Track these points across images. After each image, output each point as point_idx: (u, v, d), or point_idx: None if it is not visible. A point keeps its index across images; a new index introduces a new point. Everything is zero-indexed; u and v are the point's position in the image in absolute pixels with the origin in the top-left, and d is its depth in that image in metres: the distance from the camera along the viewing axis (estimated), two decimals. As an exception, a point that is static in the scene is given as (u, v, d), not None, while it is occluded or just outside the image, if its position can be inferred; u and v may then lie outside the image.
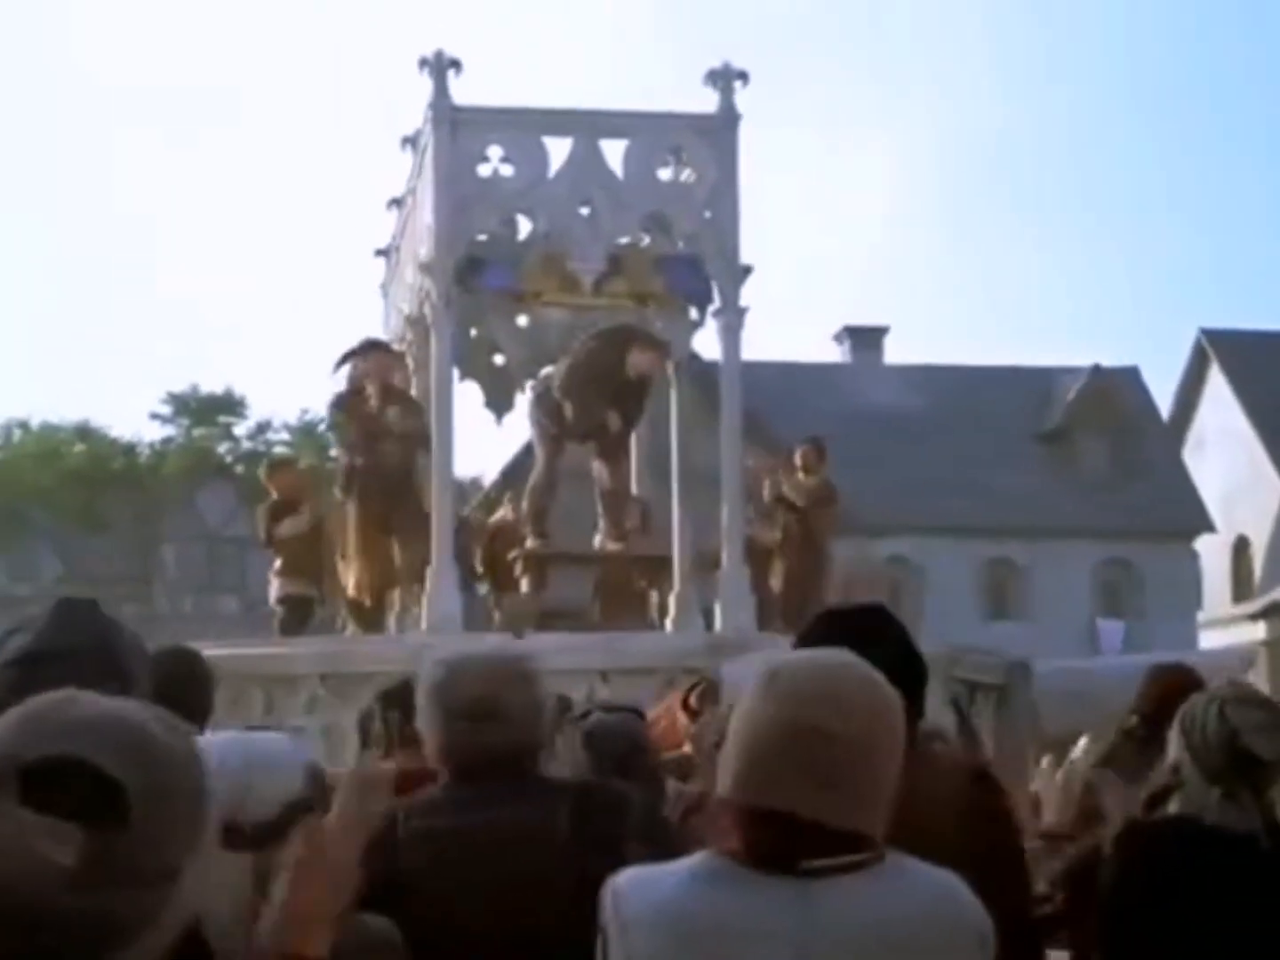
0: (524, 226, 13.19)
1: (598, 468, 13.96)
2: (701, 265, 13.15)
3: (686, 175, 13.20)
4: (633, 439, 15.49)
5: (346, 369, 13.34)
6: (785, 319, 57.98)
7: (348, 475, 13.60)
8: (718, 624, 12.96)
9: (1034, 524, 35.35)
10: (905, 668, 3.80)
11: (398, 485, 13.21)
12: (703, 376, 31.46)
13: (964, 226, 79.82)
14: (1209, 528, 37.32)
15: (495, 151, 12.97)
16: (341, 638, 13.06)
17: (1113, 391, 37.95)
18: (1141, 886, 4.09)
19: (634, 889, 2.46)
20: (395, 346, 14.79)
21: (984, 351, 69.12)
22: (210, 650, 12.26)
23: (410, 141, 14.30)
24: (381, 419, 13.09)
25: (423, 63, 12.94)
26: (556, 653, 12.11)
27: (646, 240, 13.37)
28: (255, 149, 77.63)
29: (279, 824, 3.57)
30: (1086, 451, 37.47)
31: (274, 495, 14.43)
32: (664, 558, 13.58)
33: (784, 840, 2.39)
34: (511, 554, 13.51)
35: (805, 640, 3.82)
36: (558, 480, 13.74)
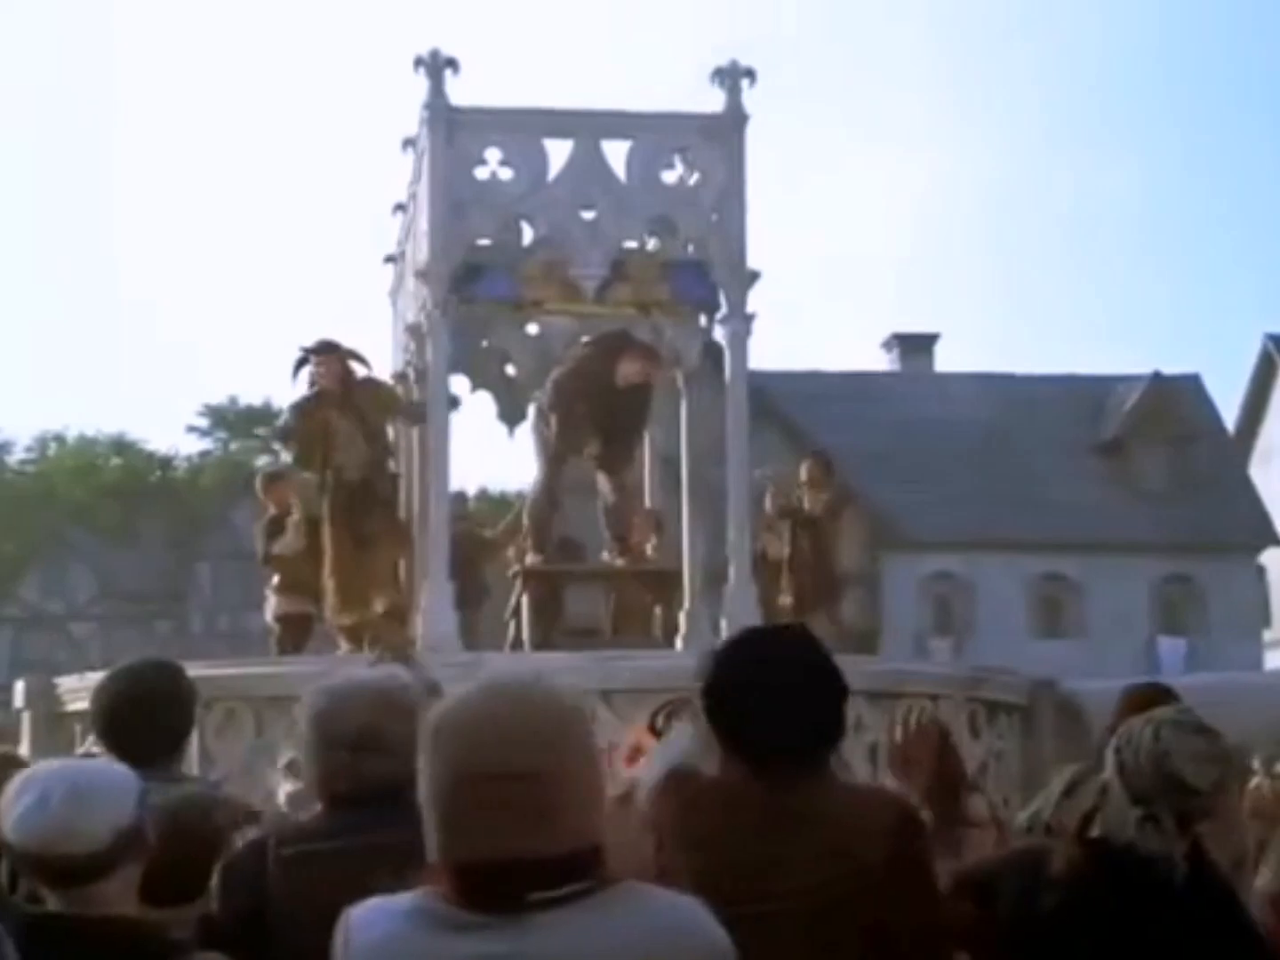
0: (523, 232, 13.11)
1: (601, 481, 13.88)
2: (708, 271, 13.03)
3: (692, 178, 13.09)
4: (645, 450, 15.42)
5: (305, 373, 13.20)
6: (832, 327, 57.88)
7: (319, 488, 13.59)
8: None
9: (1090, 538, 35.09)
10: (823, 688, 3.75)
11: (363, 494, 13.13)
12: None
13: (1018, 230, 79.51)
14: (1275, 541, 36.98)
15: (493, 154, 12.88)
16: (332, 657, 13.00)
17: (1173, 400, 37.66)
18: (1034, 908, 4.04)
19: (359, 923, 2.44)
20: (402, 354, 14.74)
21: (1038, 359, 68.95)
22: (201, 671, 12.29)
23: (411, 143, 14.26)
24: (335, 426, 13.00)
25: (418, 62, 12.88)
26: (553, 673, 12.10)
27: (651, 245, 13.27)
28: (281, 153, 78.02)
29: (110, 853, 3.51)
30: (1145, 463, 37.17)
31: (270, 509, 14.42)
32: (669, 572, 13.48)
33: (495, 880, 2.35)
34: (511, 570, 13.43)
35: (720, 663, 3.77)
36: (559, 494, 13.66)
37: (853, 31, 78.08)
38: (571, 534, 15.22)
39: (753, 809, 3.55)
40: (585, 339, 13.47)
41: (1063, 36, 76.54)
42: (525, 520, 13.99)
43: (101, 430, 59.64)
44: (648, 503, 15.27)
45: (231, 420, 57.88)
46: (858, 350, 60.69)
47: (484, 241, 13.07)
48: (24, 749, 13.42)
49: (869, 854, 3.51)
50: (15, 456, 59.64)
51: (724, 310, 13.14)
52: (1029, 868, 4.35)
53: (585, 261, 12.88)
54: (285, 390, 61.43)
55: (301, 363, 13.20)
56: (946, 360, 38.96)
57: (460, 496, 17.33)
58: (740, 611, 12.92)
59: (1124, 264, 78.37)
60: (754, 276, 13.10)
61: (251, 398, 57.82)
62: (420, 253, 13.20)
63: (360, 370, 13.35)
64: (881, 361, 39.15)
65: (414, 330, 14.07)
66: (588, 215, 12.96)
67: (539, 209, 12.94)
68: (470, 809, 2.35)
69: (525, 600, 13.23)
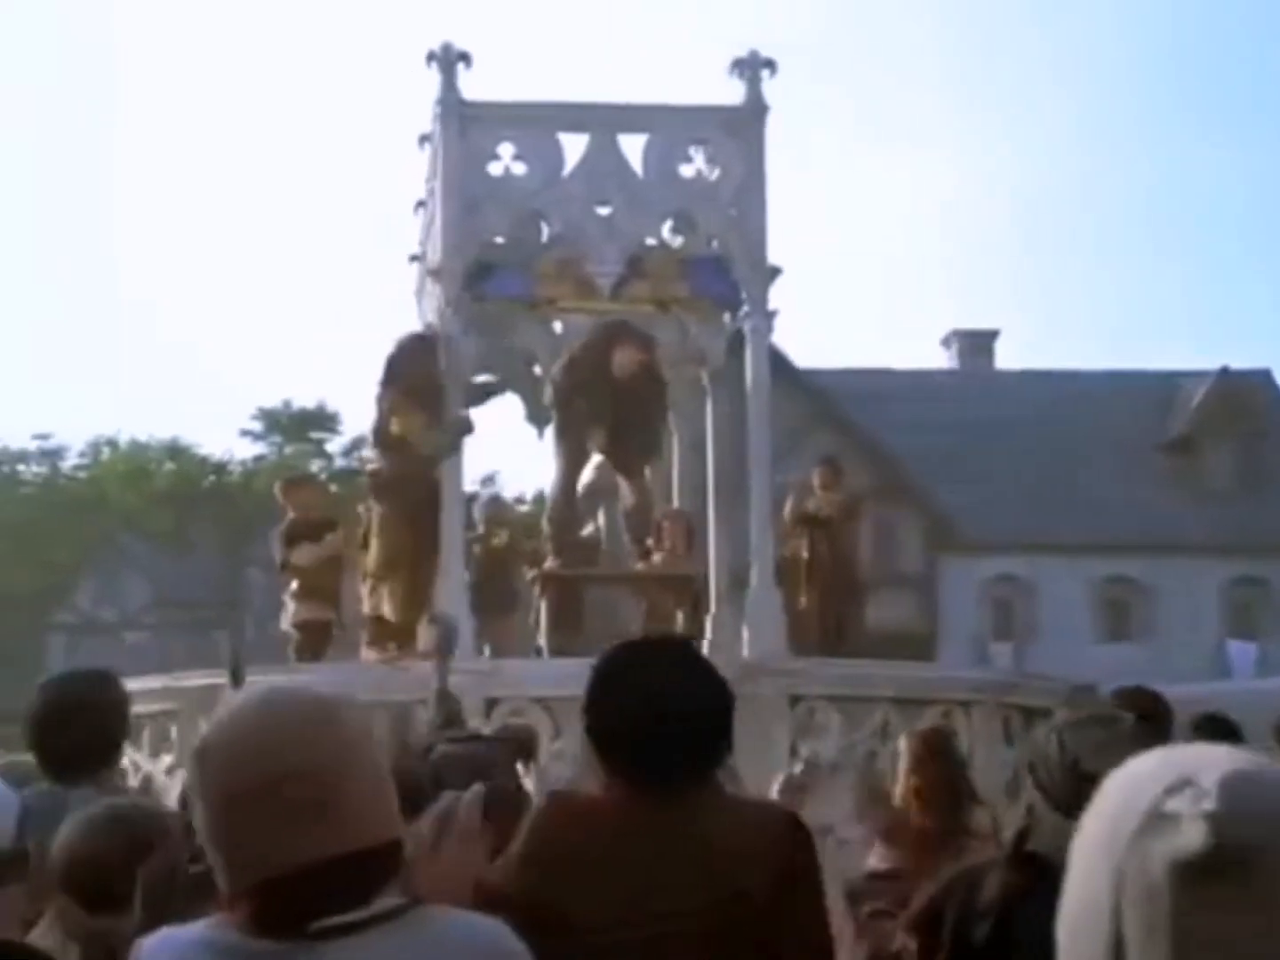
0: (538, 228, 13.09)
1: (620, 482, 13.84)
2: (728, 267, 12.98)
3: (711, 172, 13.04)
4: (673, 450, 15.38)
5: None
6: (891, 324, 57.68)
7: (374, 487, 13.53)
8: (745, 646, 12.79)
9: (1156, 539, 34.81)
10: (706, 702, 3.70)
11: (424, 498, 13.01)
12: (789, 383, 31.29)
13: (1080, 223, 79.08)
14: (1350, 541, 36.61)
15: (507, 149, 12.89)
16: (349, 664, 13.02)
17: (1242, 396, 37.30)
18: (968, 939, 3.98)
19: (148, 954, 2.40)
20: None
21: (1102, 355, 68.35)
22: (207, 680, 12.31)
23: (427, 139, 14.26)
24: (406, 424, 12.90)
25: (430, 56, 12.89)
26: (562, 680, 12.08)
27: (668, 241, 13.23)
28: (313, 150, 78.32)
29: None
30: (1213, 461, 36.84)
31: (290, 515, 14.42)
32: (690, 576, 13.42)
33: (286, 898, 2.30)
34: (530, 575, 13.40)
35: (598, 679, 3.74)
36: (576, 496, 13.62)
37: (887, 22, 77.95)
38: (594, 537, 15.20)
39: (634, 830, 3.49)
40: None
41: (1118, 18, 75.97)
42: (545, 523, 13.97)
43: (154, 435, 59.83)
44: (675, 504, 15.24)
45: (285, 424, 58.01)
46: (917, 348, 60.65)
47: (498, 239, 13.07)
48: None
49: (755, 872, 3.45)
50: (68, 463, 59.90)
51: (745, 307, 13.07)
52: (964, 895, 4.30)
53: (601, 258, 12.86)
54: (338, 392, 61.60)
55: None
56: (1007, 357, 38.75)
57: (495, 500, 17.32)
58: (763, 616, 12.88)
59: (1191, 256, 77.77)
60: (775, 272, 13.04)
61: (305, 401, 57.97)
62: (435, 251, 13.21)
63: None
64: (941, 359, 38.97)
65: (432, 329, 14.07)
66: (603, 211, 12.94)
67: (554, 205, 12.93)
68: (249, 822, 2.30)
69: (543, 605, 13.21)
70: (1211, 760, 1.49)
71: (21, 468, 59.41)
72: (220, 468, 58.16)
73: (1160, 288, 77.99)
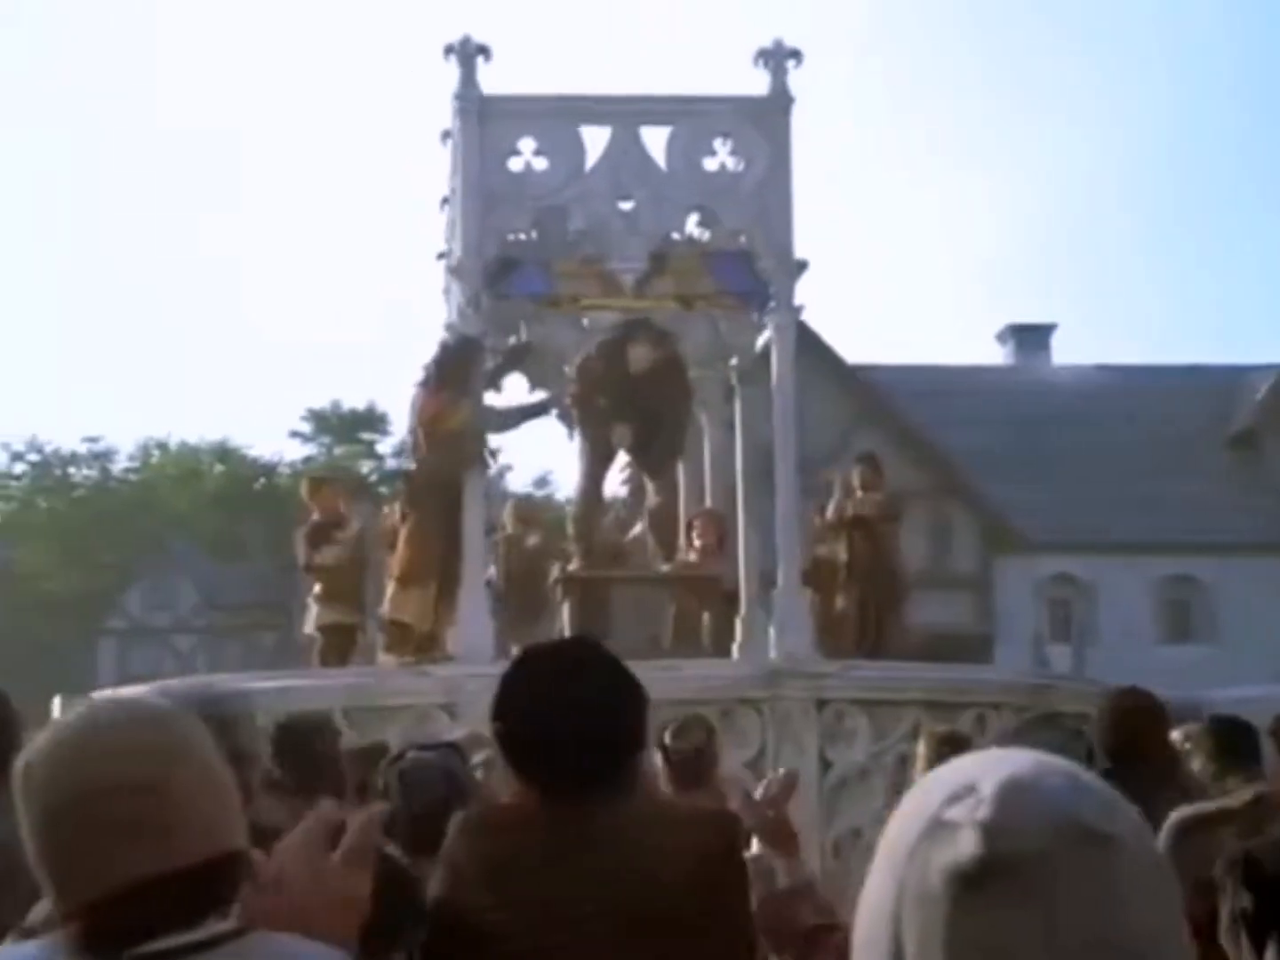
0: (559, 224, 13.06)
1: (647, 483, 13.82)
2: (753, 261, 12.93)
3: (736, 164, 12.99)
4: (704, 449, 15.32)
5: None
6: (945, 318, 57.34)
7: (409, 491, 13.52)
8: (772, 649, 12.73)
9: (1220, 538, 34.52)
10: (617, 703, 3.68)
11: (459, 504, 12.94)
12: (840, 380, 31.21)
13: (1139, 214, 78.52)
14: None
15: (527, 144, 12.87)
16: (370, 669, 13.03)
17: (1308, 390, 36.97)
18: None
19: None
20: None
21: (1163, 349, 67.74)
22: (233, 684, 12.33)
23: (448, 135, 14.26)
24: (441, 420, 12.85)
25: (448, 50, 12.89)
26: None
27: (692, 236, 13.19)
28: (351, 146, 78.45)
29: None
30: (1278, 457, 36.51)
31: (315, 515, 14.45)
32: (715, 577, 13.38)
33: (116, 916, 2.26)
34: (552, 577, 13.38)
35: (506, 684, 3.73)
36: (601, 496, 13.59)
37: (927, 6, 77.62)
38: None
39: (549, 837, 3.46)
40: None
41: (1193, 19, 75.61)
42: (570, 524, 13.95)
43: (204, 437, 60.16)
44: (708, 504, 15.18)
45: (335, 425, 58.22)
46: (971, 343, 60.13)
47: (518, 236, 13.05)
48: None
49: (675, 878, 3.41)
50: (118, 465, 60.30)
51: (771, 303, 13.03)
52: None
53: (624, 254, 12.83)
54: (387, 393, 61.81)
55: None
56: (1064, 352, 38.53)
57: (525, 499, 17.28)
58: (790, 618, 12.82)
59: (1257, 246, 77.12)
60: (802, 266, 12.98)
61: (355, 402, 58.15)
62: (456, 248, 13.21)
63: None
64: (996, 354, 38.75)
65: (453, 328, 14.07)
66: (626, 206, 12.91)
67: (575, 200, 12.90)
68: (71, 839, 2.27)
69: (565, 609, 13.19)
70: (996, 766, 1.49)
71: (72, 470, 59.82)
72: (270, 470, 58.40)
73: (1223, 279, 77.46)
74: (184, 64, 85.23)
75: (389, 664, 13.01)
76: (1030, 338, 37.93)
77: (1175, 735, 6.97)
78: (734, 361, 14.36)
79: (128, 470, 60.54)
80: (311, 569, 14.23)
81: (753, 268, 12.92)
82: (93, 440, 58.81)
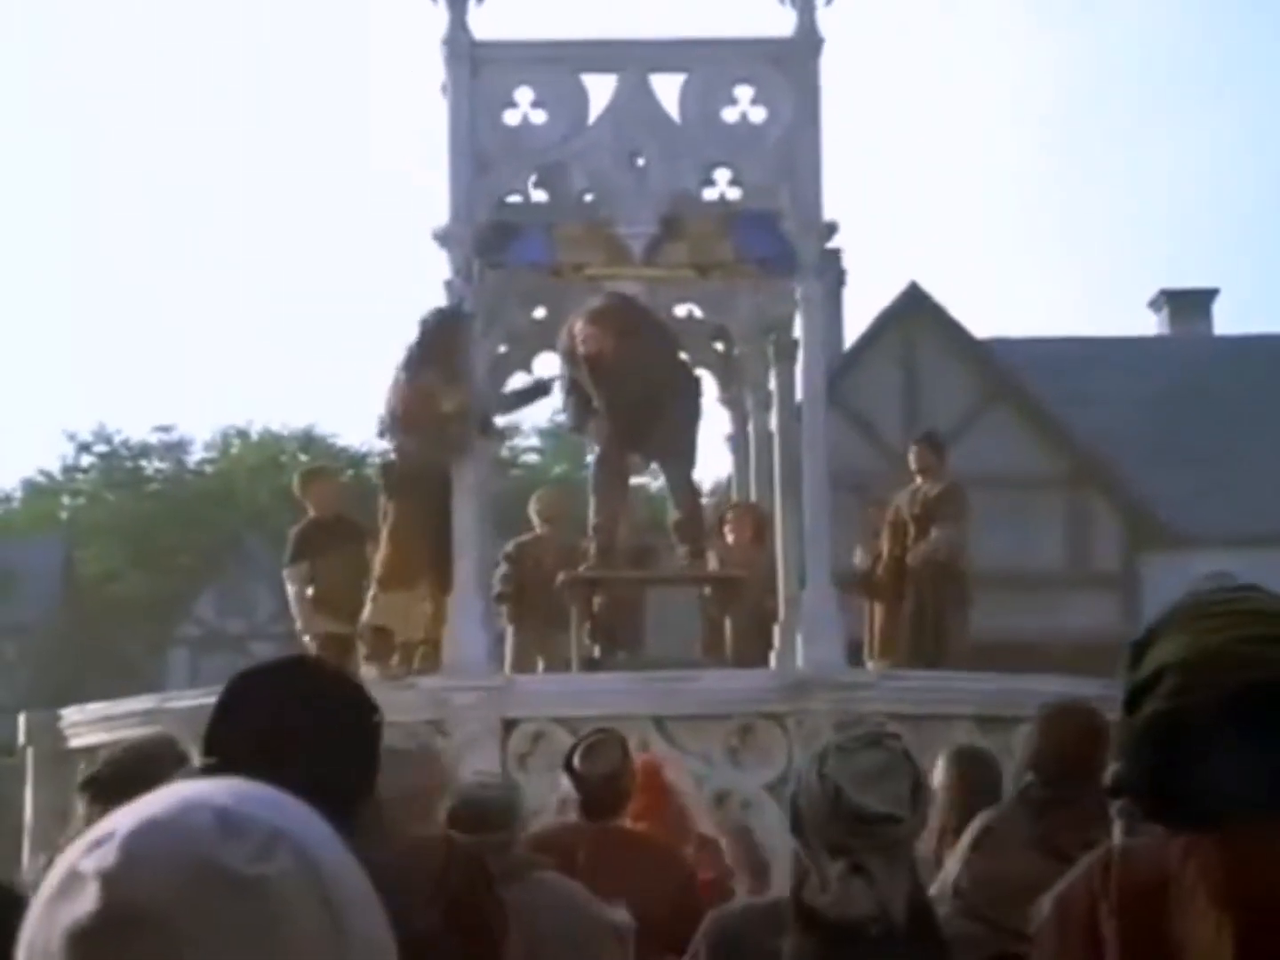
0: (560, 185, 13.04)
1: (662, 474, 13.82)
2: (777, 223, 12.84)
3: (757, 115, 12.92)
4: (749, 438, 15.26)
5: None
6: (1088, 285, 56.54)
7: (388, 481, 13.57)
8: (799, 658, 12.66)
9: (1403, 529, 33.90)
10: (344, 728, 3.70)
11: (446, 496, 12.96)
12: (965, 355, 30.95)
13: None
14: None
15: (524, 95, 12.87)
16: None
17: None
18: None
19: None
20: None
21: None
22: (199, 700, 12.43)
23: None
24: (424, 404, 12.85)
25: (436, -10, 12.89)
26: (604, 695, 12.06)
27: (709, 196, 13.12)
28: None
29: None
30: None
31: (310, 512, 14.51)
32: (737, 579, 13.33)
33: None
34: (559, 578, 13.38)
35: (219, 713, 3.74)
36: (615, 492, 13.56)
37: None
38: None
39: None
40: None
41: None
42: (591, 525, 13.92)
43: (287, 425, 60.60)
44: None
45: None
46: (1120, 313, 59.35)
47: (514, 198, 13.05)
48: (26, 789, 13.80)
49: (417, 907, 3.55)
50: (193, 457, 60.86)
51: (798, 268, 12.93)
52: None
53: (632, 218, 12.79)
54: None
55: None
56: (1227, 320, 37.95)
57: (555, 492, 17.22)
58: (819, 622, 12.74)
59: None
60: (831, 229, 12.92)
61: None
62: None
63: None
64: (1148, 323, 38.17)
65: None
66: (635, 163, 12.86)
67: (578, 157, 12.89)
68: None
69: (573, 613, 13.20)
70: (144, 806, 1.46)
71: (143, 463, 60.41)
72: (359, 460, 58.69)
73: None
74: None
75: (371, 676, 13.05)
76: (1188, 304, 37.30)
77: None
78: (772, 336, 14.29)
79: (203, 462, 61.08)
80: (304, 573, 14.26)
81: (776, 230, 12.82)
82: (165, 429, 59.30)
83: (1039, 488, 30.81)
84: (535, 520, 14.84)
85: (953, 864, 6.51)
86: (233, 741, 3.65)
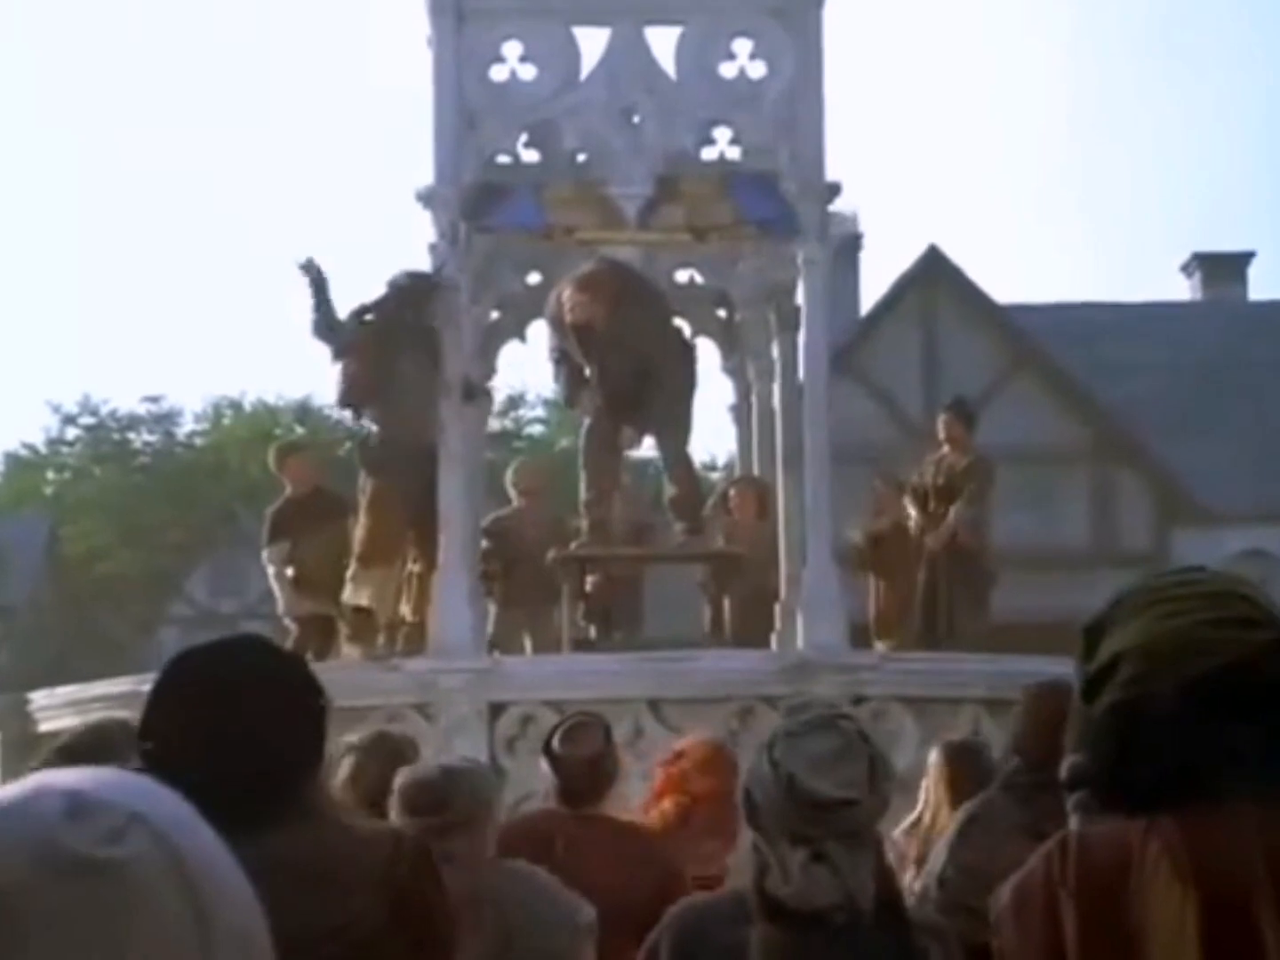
0: (551, 144, 13.03)
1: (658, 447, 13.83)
2: (777, 184, 12.82)
3: (757, 70, 12.90)
4: (752, 410, 15.26)
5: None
6: (1116, 249, 56.38)
7: (364, 456, 13.59)
8: (799, 639, 12.66)
9: None
10: (284, 711, 3.71)
11: (426, 471, 12.98)
12: (987, 321, 30.91)
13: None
14: None
15: (512, 49, 12.87)
16: (331, 663, 13.08)
17: None
18: None
19: None
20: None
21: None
22: (129, 687, 12.44)
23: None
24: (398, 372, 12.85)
25: (419, -61, 12.88)
26: (595, 677, 12.07)
27: (707, 156, 13.12)
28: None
29: None
30: None
31: (287, 489, 14.53)
32: (732, 555, 13.34)
33: None
34: (550, 556, 13.39)
35: (154, 695, 3.76)
36: (607, 466, 13.57)
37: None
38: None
39: None
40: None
41: None
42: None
43: (283, 395, 60.56)
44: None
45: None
46: (1149, 276, 58.75)
47: (502, 158, 13.05)
48: (-8, 773, 13.85)
49: (363, 903, 3.56)
50: (184, 428, 60.83)
51: (799, 231, 12.91)
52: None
53: (626, 178, 12.77)
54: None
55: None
56: (1263, 284, 37.84)
57: (529, 465, 17.19)
58: (821, 602, 12.74)
59: None
60: (834, 190, 12.89)
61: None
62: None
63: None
64: (1180, 288, 38.09)
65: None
66: (629, 121, 12.85)
67: (569, 115, 12.89)
68: None
69: (564, 592, 13.22)
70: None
71: (131, 435, 60.37)
72: (357, 433, 58.82)
73: None
74: None
75: (353, 657, 13.09)
76: (1222, 268, 37.20)
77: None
78: (774, 303, 14.28)
79: (194, 434, 61.07)
80: (283, 553, 14.27)
81: (776, 192, 12.80)
82: (154, 400, 59.28)
83: (1064, 461, 30.76)
84: (512, 493, 14.87)
85: (937, 854, 6.53)
86: (170, 726, 3.66)
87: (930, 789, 7.83)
